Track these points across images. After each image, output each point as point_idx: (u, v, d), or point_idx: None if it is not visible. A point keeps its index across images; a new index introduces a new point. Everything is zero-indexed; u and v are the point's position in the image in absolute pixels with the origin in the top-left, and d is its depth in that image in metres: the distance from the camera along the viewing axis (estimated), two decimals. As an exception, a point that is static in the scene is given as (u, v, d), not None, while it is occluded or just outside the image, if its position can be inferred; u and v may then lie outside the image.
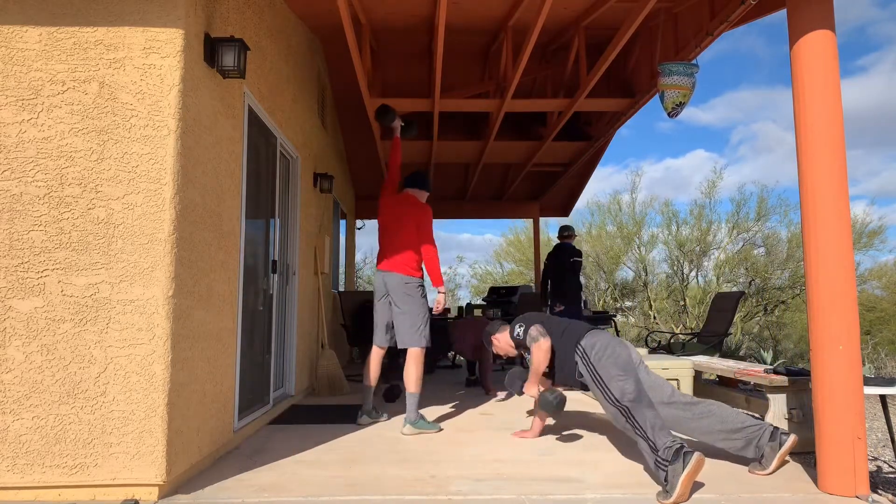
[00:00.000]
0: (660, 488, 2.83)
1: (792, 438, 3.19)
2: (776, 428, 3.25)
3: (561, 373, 3.70)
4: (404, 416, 4.28)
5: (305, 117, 5.93)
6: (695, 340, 6.73)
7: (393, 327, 4.46)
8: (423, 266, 4.45)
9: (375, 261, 4.64)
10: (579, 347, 3.56)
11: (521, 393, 3.92)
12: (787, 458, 3.30)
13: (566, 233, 7.89)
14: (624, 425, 3.20)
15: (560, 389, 3.68)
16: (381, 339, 4.50)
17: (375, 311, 4.51)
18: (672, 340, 6.58)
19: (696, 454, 2.77)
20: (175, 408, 2.87)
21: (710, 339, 6.44)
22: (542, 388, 3.84)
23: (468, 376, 6.72)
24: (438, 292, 4.47)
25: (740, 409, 5.10)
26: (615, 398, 3.26)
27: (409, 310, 4.34)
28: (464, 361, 9.63)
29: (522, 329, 3.85)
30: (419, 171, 4.71)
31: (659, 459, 2.85)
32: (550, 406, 3.65)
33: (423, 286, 4.44)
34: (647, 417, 3.07)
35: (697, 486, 2.97)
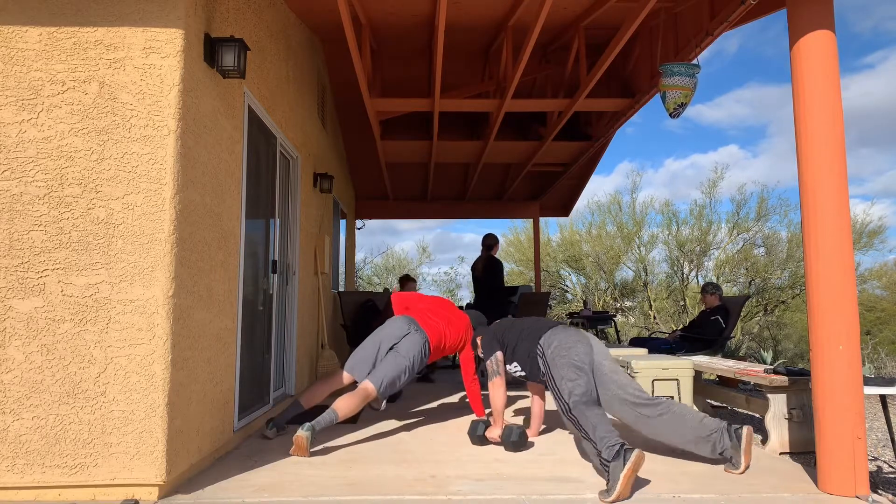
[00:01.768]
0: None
1: (746, 431, 3.20)
2: (729, 425, 3.26)
3: (529, 372, 3.74)
4: (314, 421, 3.65)
5: (305, 117, 5.93)
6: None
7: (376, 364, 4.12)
8: (467, 394, 4.36)
9: (398, 301, 4.44)
10: (539, 346, 3.60)
11: (482, 439, 3.85)
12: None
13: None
14: (569, 426, 3.25)
15: (521, 425, 3.75)
16: (360, 370, 4.10)
17: (375, 339, 4.19)
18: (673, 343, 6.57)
19: (637, 451, 2.80)
20: (175, 408, 2.87)
21: (707, 342, 6.44)
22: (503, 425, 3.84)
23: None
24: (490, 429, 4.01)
25: (705, 410, 5.10)
26: (562, 397, 3.30)
27: (404, 355, 4.04)
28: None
29: (483, 353, 3.88)
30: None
31: (603, 460, 2.90)
32: (509, 439, 3.68)
33: (428, 354, 4.18)
34: (589, 419, 3.10)
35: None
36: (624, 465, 2.77)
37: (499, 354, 3.79)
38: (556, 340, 3.50)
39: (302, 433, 3.53)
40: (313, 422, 3.62)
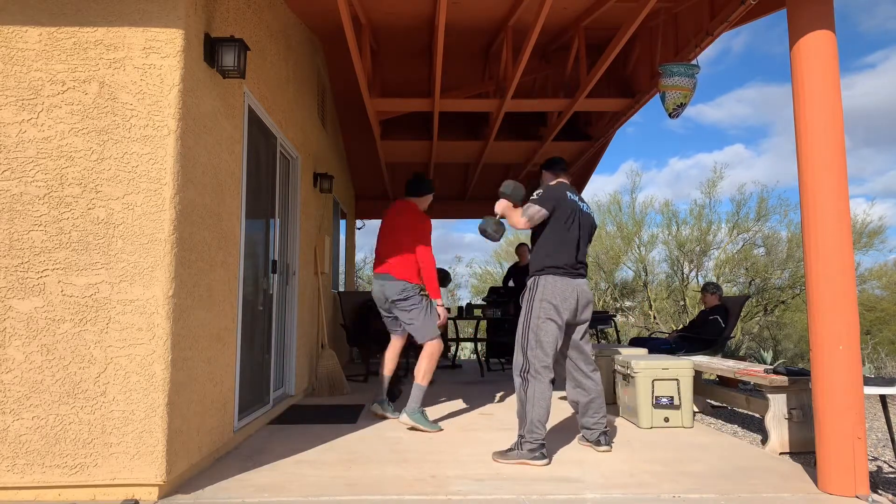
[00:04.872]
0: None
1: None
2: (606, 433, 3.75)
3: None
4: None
5: (305, 117, 5.93)
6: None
7: (400, 324, 4.63)
8: (422, 276, 4.49)
9: (374, 264, 4.68)
10: (539, 278, 3.63)
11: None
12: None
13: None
14: (519, 383, 3.53)
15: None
16: (396, 332, 4.70)
17: (382, 315, 4.67)
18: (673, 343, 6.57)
19: (544, 460, 3.38)
20: (175, 407, 2.87)
21: (707, 342, 6.43)
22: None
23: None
24: (437, 305, 4.49)
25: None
26: (524, 353, 3.55)
27: (413, 312, 4.42)
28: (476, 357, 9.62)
29: (543, 197, 3.73)
30: (416, 178, 4.71)
31: (524, 440, 3.42)
32: (505, 192, 3.76)
33: (420, 286, 4.48)
34: (537, 396, 3.44)
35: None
36: (530, 458, 3.38)
37: (544, 212, 3.69)
38: (545, 306, 3.56)
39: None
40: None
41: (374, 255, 4.76)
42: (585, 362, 3.78)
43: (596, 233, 17.69)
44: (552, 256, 3.64)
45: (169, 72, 2.92)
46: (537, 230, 3.76)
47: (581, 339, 3.77)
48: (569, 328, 3.74)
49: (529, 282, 3.68)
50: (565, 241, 3.66)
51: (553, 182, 3.89)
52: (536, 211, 3.70)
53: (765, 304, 15.57)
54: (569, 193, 3.77)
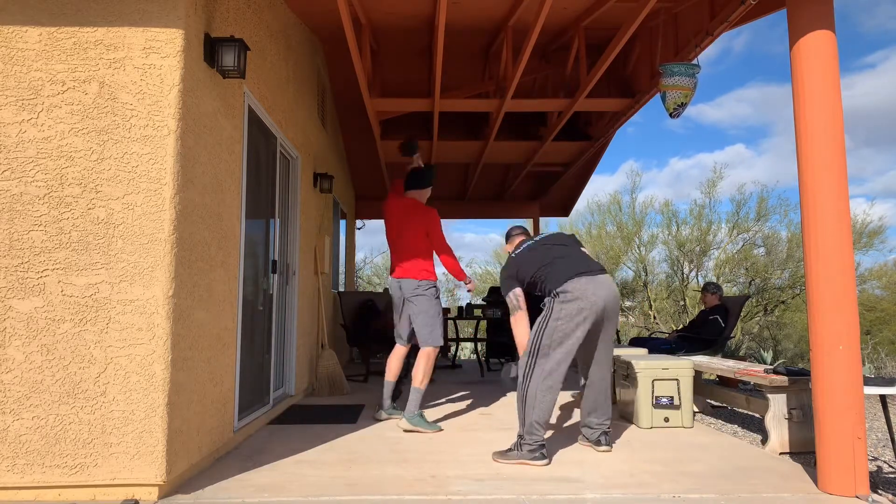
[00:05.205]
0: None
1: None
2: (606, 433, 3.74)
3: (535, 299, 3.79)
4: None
5: (305, 117, 5.93)
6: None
7: (414, 332, 4.63)
8: (445, 269, 4.59)
9: (390, 269, 4.70)
10: (557, 293, 3.56)
11: (514, 381, 3.91)
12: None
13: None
14: (520, 382, 3.51)
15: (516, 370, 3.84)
16: (403, 340, 4.68)
17: (396, 317, 4.67)
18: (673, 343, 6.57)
19: (544, 461, 3.37)
20: (175, 408, 2.87)
21: (707, 342, 6.43)
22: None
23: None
24: (466, 282, 4.66)
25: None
26: (532, 369, 3.48)
27: (424, 309, 4.44)
28: (477, 358, 9.62)
29: (503, 283, 3.80)
30: (416, 171, 4.70)
31: (523, 441, 3.40)
32: (508, 376, 3.84)
33: (436, 287, 4.53)
34: (537, 405, 3.40)
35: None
36: (530, 459, 3.36)
37: (517, 290, 3.72)
38: (566, 307, 3.49)
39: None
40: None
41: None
42: (598, 364, 3.72)
43: (596, 233, 17.74)
44: (565, 277, 3.56)
45: (169, 72, 2.92)
46: (535, 290, 3.76)
47: (604, 342, 3.70)
48: (594, 327, 3.64)
49: (558, 288, 3.56)
50: (560, 265, 3.64)
51: (510, 250, 4.03)
52: (513, 296, 3.74)
53: (765, 304, 15.56)
54: (516, 251, 3.86)
